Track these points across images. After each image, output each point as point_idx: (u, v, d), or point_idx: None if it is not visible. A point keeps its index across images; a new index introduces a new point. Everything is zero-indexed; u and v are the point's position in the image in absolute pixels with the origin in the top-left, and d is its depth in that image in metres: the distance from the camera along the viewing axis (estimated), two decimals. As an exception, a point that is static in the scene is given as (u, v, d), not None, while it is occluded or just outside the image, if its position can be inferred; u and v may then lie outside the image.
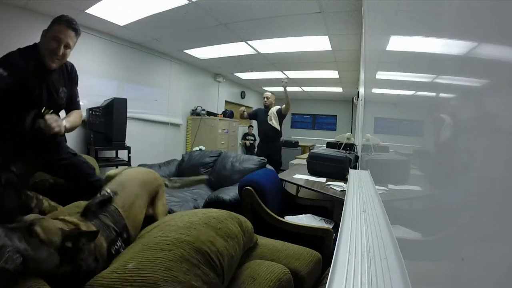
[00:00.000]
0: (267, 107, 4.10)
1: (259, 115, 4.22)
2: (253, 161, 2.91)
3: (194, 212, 1.14)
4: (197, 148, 3.50)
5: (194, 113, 5.91)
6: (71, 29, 1.45)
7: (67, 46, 1.46)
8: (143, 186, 1.29)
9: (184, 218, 1.05)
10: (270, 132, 4.05)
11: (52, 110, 1.44)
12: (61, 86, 1.55)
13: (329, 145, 3.96)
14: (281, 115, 4.03)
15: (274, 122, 4.02)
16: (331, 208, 2.29)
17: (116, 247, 1.00)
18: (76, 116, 1.62)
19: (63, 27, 1.44)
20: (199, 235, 0.91)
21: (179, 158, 3.44)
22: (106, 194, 1.13)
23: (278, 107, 4.12)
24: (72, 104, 1.66)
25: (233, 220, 1.15)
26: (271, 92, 4.48)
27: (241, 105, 8.32)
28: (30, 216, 0.86)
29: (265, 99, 4.14)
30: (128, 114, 3.88)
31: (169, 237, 0.88)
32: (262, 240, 1.40)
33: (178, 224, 0.98)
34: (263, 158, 3.02)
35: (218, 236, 0.97)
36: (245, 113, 4.19)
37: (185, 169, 3.16)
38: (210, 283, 0.81)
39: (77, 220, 0.95)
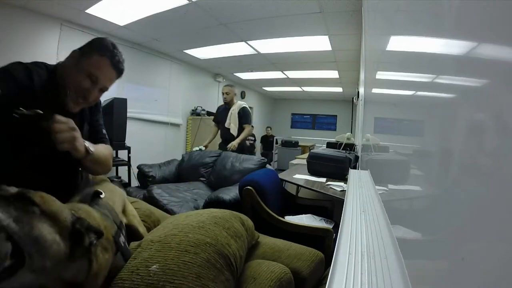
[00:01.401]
0: (228, 104, 3.45)
1: (219, 115, 3.55)
2: (253, 161, 2.90)
3: (197, 212, 1.12)
4: (197, 148, 3.47)
5: (194, 113, 5.91)
6: (116, 70, 1.03)
7: (103, 90, 1.03)
8: (116, 196, 1.07)
9: (191, 218, 1.02)
10: (227, 135, 3.46)
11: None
12: (85, 123, 1.10)
13: (329, 145, 3.96)
14: (244, 118, 3.39)
15: (233, 126, 3.38)
16: (331, 208, 2.29)
17: (122, 239, 0.83)
18: (105, 148, 1.10)
19: (106, 64, 0.99)
20: (217, 236, 0.88)
21: (179, 158, 3.43)
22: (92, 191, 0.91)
23: (243, 104, 3.45)
24: (96, 135, 1.14)
25: (236, 219, 1.15)
26: (231, 85, 3.57)
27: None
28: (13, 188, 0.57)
29: (225, 95, 3.42)
30: (128, 114, 3.87)
31: (189, 237, 0.84)
32: (265, 240, 1.40)
33: (191, 224, 0.94)
34: (263, 158, 3.01)
35: (229, 236, 0.96)
36: (208, 140, 3.60)
37: (185, 169, 3.16)
38: None
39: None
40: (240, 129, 3.40)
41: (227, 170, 2.91)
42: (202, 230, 0.90)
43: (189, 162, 3.21)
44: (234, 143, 3.32)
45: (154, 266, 0.72)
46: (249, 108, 3.54)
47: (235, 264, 0.86)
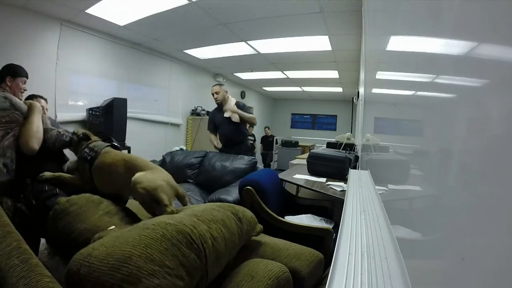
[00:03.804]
0: (221, 105, 3.17)
1: (216, 118, 3.25)
2: (243, 160, 2.81)
3: (182, 209, 1.22)
4: (177, 148, 3.23)
5: (194, 113, 5.91)
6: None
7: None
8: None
9: (170, 215, 1.12)
10: (231, 133, 3.14)
11: None
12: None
13: (329, 145, 3.96)
14: (245, 110, 3.15)
15: (235, 116, 3.08)
16: (331, 208, 2.29)
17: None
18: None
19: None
20: (181, 220, 0.97)
21: (169, 158, 3.13)
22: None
23: (235, 100, 3.21)
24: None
25: (223, 209, 1.17)
26: (219, 84, 3.31)
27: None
28: None
29: (215, 95, 3.14)
30: (128, 114, 3.88)
31: (155, 221, 0.95)
32: (264, 239, 1.40)
33: (165, 216, 1.06)
34: (254, 157, 2.90)
35: (200, 221, 1.02)
36: (214, 141, 3.27)
37: (169, 171, 2.97)
38: (189, 265, 0.84)
39: None
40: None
41: (217, 170, 2.78)
42: (170, 218, 0.99)
43: (171, 163, 3.00)
44: (232, 108, 3.01)
45: (118, 241, 0.84)
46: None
47: (201, 244, 0.91)
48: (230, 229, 1.09)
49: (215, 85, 3.25)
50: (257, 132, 8.69)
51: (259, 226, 1.35)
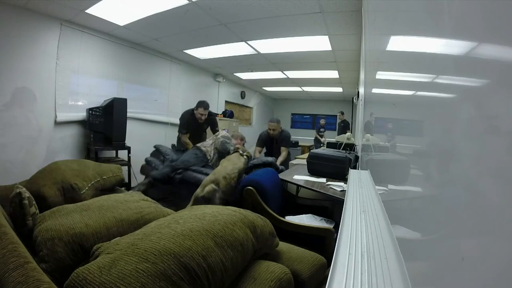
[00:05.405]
0: (272, 137, 3.89)
1: (267, 139, 3.98)
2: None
3: (204, 215, 1.08)
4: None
5: (194, 113, 5.90)
6: None
7: None
8: None
9: (187, 222, 1.00)
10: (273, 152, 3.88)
11: None
12: None
13: (329, 145, 3.95)
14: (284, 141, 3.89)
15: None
16: (331, 208, 2.29)
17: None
18: None
19: None
20: (191, 247, 0.87)
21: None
22: None
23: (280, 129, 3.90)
24: None
25: (244, 225, 1.09)
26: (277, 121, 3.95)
27: (241, 105, 8.33)
28: None
29: (271, 131, 3.80)
30: (128, 114, 3.88)
31: (159, 245, 0.85)
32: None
33: (177, 230, 0.94)
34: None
35: (215, 246, 0.92)
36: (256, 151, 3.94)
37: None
38: None
39: None
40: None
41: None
42: (180, 238, 0.89)
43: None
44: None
45: (115, 269, 0.76)
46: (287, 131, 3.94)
47: (206, 279, 0.84)
48: (245, 254, 1.03)
49: (273, 121, 3.81)
50: (257, 131, 8.68)
51: (277, 241, 1.28)
